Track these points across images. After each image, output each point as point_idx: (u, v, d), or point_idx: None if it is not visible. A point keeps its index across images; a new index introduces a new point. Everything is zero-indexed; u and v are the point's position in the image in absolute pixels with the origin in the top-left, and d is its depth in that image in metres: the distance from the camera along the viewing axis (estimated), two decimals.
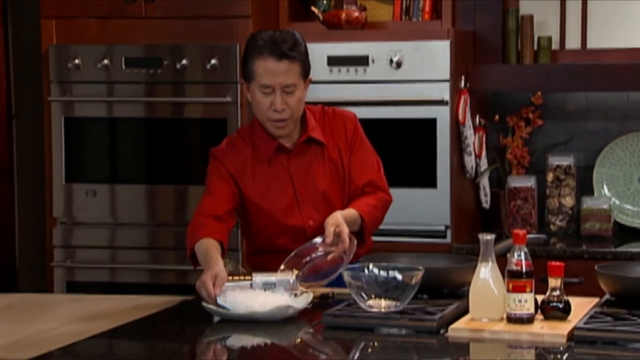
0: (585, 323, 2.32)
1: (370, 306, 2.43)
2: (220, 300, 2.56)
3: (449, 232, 3.83)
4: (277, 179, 2.89)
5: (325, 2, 4.12)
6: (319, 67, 3.89)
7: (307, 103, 2.90)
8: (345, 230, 2.69)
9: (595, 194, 4.08)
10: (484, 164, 4.07)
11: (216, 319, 2.58)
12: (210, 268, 2.64)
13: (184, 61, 3.96)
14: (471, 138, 3.94)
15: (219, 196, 2.87)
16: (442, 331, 2.36)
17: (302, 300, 2.59)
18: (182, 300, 2.82)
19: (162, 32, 3.98)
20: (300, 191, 2.88)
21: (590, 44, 4.15)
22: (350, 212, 2.81)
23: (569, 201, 4.07)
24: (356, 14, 3.99)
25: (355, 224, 2.81)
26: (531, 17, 4.09)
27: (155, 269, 4.03)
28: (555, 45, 4.14)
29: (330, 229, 2.68)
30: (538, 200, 4.05)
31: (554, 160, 4.10)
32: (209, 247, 2.74)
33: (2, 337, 2.50)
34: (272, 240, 2.92)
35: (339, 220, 2.70)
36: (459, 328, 2.36)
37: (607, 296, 2.56)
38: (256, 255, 3.02)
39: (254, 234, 2.98)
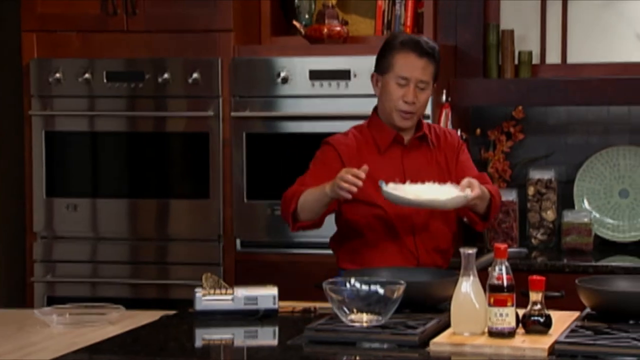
0: (566, 337, 2.33)
1: (352, 320, 2.43)
2: (386, 187, 2.75)
3: None
4: (389, 169, 2.97)
5: (307, 16, 4.13)
6: (301, 81, 3.90)
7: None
8: (476, 184, 2.83)
9: (576, 207, 4.10)
10: None
11: (198, 333, 2.57)
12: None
13: (165, 75, 3.96)
14: None
15: (317, 178, 2.93)
16: (424, 346, 2.36)
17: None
18: (163, 314, 2.81)
19: (144, 46, 3.98)
20: (408, 179, 2.93)
21: (571, 59, 4.18)
22: (482, 188, 2.91)
23: (550, 215, 4.08)
24: (338, 28, 4.00)
25: (484, 201, 2.94)
26: (512, 32, 4.12)
27: (137, 284, 4.02)
28: (535, 60, 4.17)
29: (464, 181, 2.85)
30: (519, 214, 4.06)
31: (535, 174, 4.11)
32: (315, 187, 2.85)
33: None
34: (374, 231, 2.97)
35: (472, 180, 2.86)
36: (441, 342, 2.36)
37: (587, 310, 2.57)
38: (355, 255, 3.01)
39: (356, 226, 2.99)
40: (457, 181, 2.94)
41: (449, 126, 3.92)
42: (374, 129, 3.05)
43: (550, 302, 2.52)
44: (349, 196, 2.76)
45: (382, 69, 3.01)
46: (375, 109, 3.12)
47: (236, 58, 3.94)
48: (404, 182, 2.91)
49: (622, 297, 2.48)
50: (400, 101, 2.96)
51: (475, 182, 2.86)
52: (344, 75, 3.87)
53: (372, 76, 3.06)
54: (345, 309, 2.43)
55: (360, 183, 2.73)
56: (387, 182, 2.87)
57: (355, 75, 3.86)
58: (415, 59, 2.95)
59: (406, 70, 2.95)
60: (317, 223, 2.99)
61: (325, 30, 3.98)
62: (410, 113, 2.97)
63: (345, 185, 2.73)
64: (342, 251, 3.07)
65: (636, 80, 3.94)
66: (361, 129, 3.10)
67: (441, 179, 2.96)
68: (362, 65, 3.85)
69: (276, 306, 2.71)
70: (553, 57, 4.20)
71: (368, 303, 2.43)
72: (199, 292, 2.70)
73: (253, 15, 4.07)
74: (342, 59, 3.88)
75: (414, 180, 2.91)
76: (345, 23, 4.07)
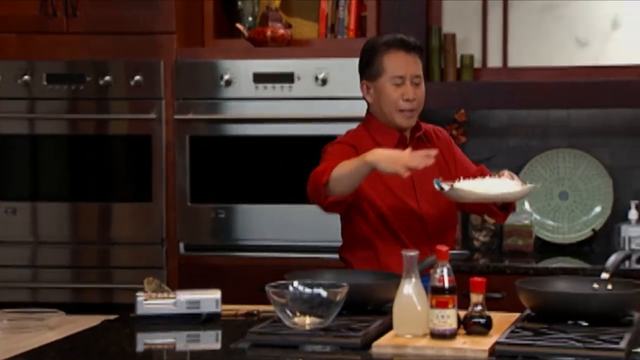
0: (507, 338, 2.35)
1: (295, 323, 2.42)
2: (446, 185, 2.76)
3: None
4: None
5: (250, 19, 4.12)
6: (245, 84, 3.89)
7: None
8: (514, 175, 2.91)
9: (517, 209, 4.14)
10: None
11: (139, 338, 2.55)
12: (378, 150, 2.76)
13: (107, 77, 3.92)
14: None
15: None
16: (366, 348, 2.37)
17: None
18: (104, 319, 2.77)
19: (85, 48, 3.94)
20: (418, 184, 2.97)
21: (512, 63, 4.23)
22: None
23: None
24: (281, 31, 4.00)
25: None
26: (453, 36, 4.16)
27: (79, 288, 3.97)
28: (477, 64, 4.21)
29: (506, 173, 2.90)
30: (462, 216, 4.10)
31: None
32: (351, 160, 2.80)
33: None
34: (390, 239, 2.95)
35: (511, 172, 2.94)
36: (383, 344, 2.37)
37: (527, 311, 2.60)
38: (372, 264, 2.99)
39: (370, 235, 2.97)
40: (458, 176, 2.95)
41: None
42: (375, 132, 3.01)
43: (492, 304, 2.54)
44: (407, 173, 2.71)
45: (372, 74, 2.99)
46: (368, 112, 3.08)
47: (179, 60, 3.92)
48: (412, 183, 2.94)
49: (560, 298, 2.51)
50: (400, 101, 2.95)
51: (512, 173, 2.91)
52: (287, 78, 3.87)
53: (362, 85, 3.03)
54: (288, 311, 2.42)
55: (431, 161, 2.72)
56: (397, 182, 2.88)
57: (299, 78, 3.86)
58: (405, 55, 2.96)
59: (400, 68, 2.95)
60: (344, 204, 2.91)
61: (269, 33, 3.98)
62: (412, 110, 2.97)
63: (414, 163, 2.69)
64: (357, 261, 3.03)
65: (575, 84, 4.00)
66: (358, 132, 3.05)
67: (443, 175, 2.99)
68: (306, 68, 3.85)
69: (219, 310, 2.69)
70: (494, 60, 4.24)
71: (311, 306, 2.42)
72: (140, 296, 2.68)
73: (196, 18, 4.05)
74: (285, 62, 3.88)
75: (421, 179, 2.94)
76: (288, 26, 4.07)
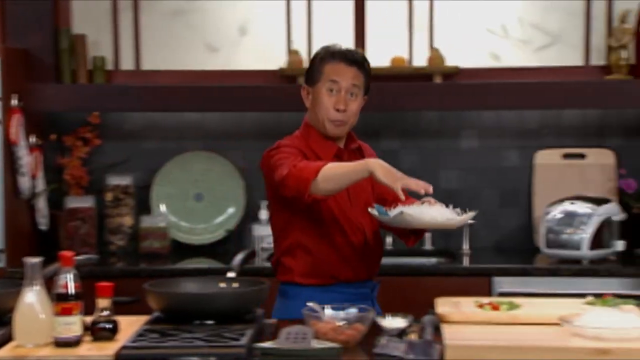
0: (133, 341, 2.34)
1: None
2: (392, 211, 2.73)
3: (3, 256, 3.68)
4: None
5: None
6: None
7: None
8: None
9: (154, 212, 4.16)
10: (40, 185, 3.97)
11: None
12: (380, 160, 2.73)
13: None
14: (26, 158, 3.83)
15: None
16: None
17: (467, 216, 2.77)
18: None
19: None
20: (351, 191, 2.94)
21: (146, 66, 4.24)
22: None
23: (128, 220, 4.11)
24: None
25: None
26: (83, 37, 4.09)
27: None
28: (110, 66, 4.17)
29: (432, 200, 2.87)
30: (98, 220, 4.04)
31: (113, 180, 4.13)
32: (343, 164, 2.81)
33: None
34: (325, 235, 2.91)
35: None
36: (3, 356, 2.26)
37: (156, 313, 2.60)
38: (311, 268, 2.90)
39: (310, 241, 2.90)
40: (379, 195, 2.98)
41: (21, 132, 3.81)
42: (313, 142, 2.98)
43: (127, 308, 2.53)
44: (401, 193, 2.67)
45: (312, 79, 2.99)
46: (305, 120, 3.01)
47: None
48: (347, 194, 2.91)
49: (185, 299, 2.54)
50: (332, 110, 2.94)
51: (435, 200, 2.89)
52: None
53: (303, 89, 2.99)
54: None
55: (430, 191, 2.68)
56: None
57: None
58: (345, 67, 2.97)
59: (336, 75, 2.95)
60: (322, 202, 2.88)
61: None
62: (341, 121, 2.95)
63: (413, 185, 2.66)
64: (300, 265, 2.91)
65: (208, 88, 4.08)
66: (297, 140, 2.97)
67: (373, 191, 3.00)
68: None
69: None
70: (128, 63, 4.23)
71: None
72: None
73: None
74: None
75: (355, 190, 2.92)
76: None
